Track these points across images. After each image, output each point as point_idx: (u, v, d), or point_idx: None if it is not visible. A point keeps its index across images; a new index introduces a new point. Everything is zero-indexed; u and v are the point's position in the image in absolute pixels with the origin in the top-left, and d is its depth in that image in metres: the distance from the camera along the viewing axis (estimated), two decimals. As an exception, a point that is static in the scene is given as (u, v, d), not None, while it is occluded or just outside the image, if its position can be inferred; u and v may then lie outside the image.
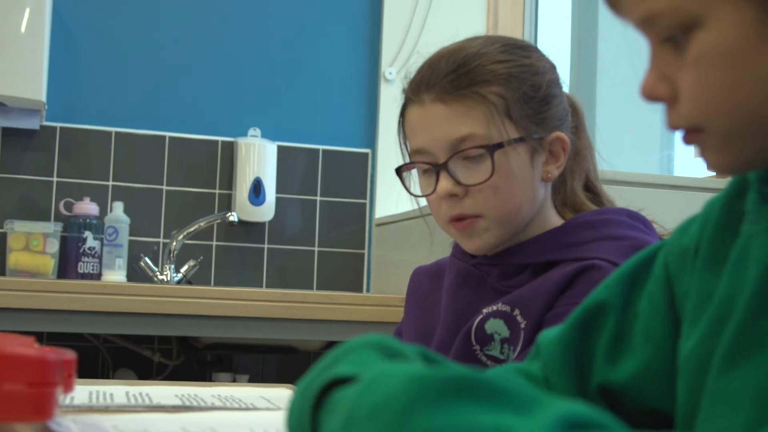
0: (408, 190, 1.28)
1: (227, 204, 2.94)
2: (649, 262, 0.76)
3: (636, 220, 1.24)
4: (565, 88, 1.29)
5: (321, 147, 3.04)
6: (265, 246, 2.98)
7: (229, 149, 2.95)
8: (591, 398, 0.75)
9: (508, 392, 0.48)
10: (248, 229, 2.96)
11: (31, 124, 2.75)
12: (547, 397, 0.48)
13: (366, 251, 3.06)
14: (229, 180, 2.95)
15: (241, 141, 2.91)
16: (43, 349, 0.72)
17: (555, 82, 1.25)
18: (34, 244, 2.70)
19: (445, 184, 1.20)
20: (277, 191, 2.96)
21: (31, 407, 0.67)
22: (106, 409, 1.03)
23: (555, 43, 3.23)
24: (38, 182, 2.80)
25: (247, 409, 1.08)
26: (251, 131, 2.95)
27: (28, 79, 2.65)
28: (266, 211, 2.92)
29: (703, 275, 0.69)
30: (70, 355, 0.82)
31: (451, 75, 1.19)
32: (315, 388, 0.57)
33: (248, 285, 2.92)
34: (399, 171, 1.28)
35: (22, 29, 2.64)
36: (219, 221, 2.86)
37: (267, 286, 2.96)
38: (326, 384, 0.57)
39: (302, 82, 3.03)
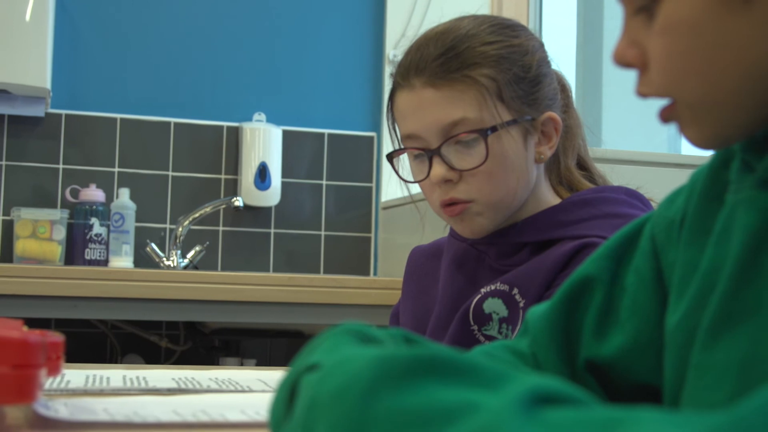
0: (399, 176, 1.27)
1: (233, 189, 2.94)
2: (635, 236, 0.75)
3: (633, 197, 1.23)
4: (554, 65, 1.28)
5: (326, 131, 3.03)
6: (272, 231, 2.98)
7: (235, 134, 2.95)
8: (579, 374, 0.75)
9: (476, 369, 0.47)
10: (254, 213, 2.96)
11: (37, 111, 2.75)
12: (520, 373, 0.47)
13: (373, 235, 3.05)
14: (234, 165, 2.94)
15: (247, 126, 2.91)
16: (26, 332, 0.72)
17: (544, 60, 1.23)
18: (41, 231, 2.70)
19: (438, 169, 1.18)
20: (283, 176, 2.96)
21: (13, 389, 0.67)
22: (100, 393, 1.03)
23: (561, 21, 3.21)
24: (44, 169, 2.81)
25: (242, 391, 1.08)
26: (256, 116, 2.94)
27: (32, 67, 2.65)
28: (272, 196, 2.91)
29: (688, 247, 0.68)
30: (56, 337, 0.82)
31: (440, 59, 1.18)
32: (290, 378, 0.57)
33: (255, 270, 2.92)
34: (390, 157, 1.26)
35: (27, 17, 2.64)
36: (225, 206, 2.87)
37: (274, 271, 2.96)
38: (300, 373, 0.56)
39: (307, 66, 3.02)
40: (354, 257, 3.03)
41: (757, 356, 0.58)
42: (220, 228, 2.94)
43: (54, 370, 0.78)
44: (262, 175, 2.88)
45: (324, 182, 3.03)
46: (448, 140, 1.17)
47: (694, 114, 0.62)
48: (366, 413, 0.45)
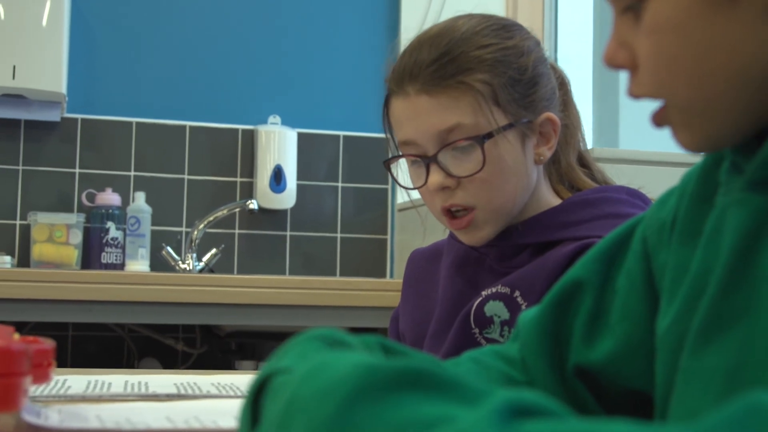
0: (398, 183, 1.26)
1: (249, 192, 2.94)
2: (627, 238, 0.74)
3: (635, 197, 1.22)
4: (551, 58, 1.26)
5: (342, 133, 3.03)
6: (288, 233, 2.98)
7: (250, 137, 2.95)
8: (568, 379, 0.73)
9: (458, 384, 0.46)
10: (270, 216, 2.96)
11: (53, 116, 2.76)
12: (500, 389, 0.46)
13: (389, 237, 3.05)
14: (250, 168, 2.95)
15: (262, 128, 2.91)
16: (10, 340, 0.71)
17: (541, 60, 1.21)
18: (58, 236, 2.72)
19: (436, 177, 1.17)
20: (299, 178, 2.95)
21: (-5, 397, 0.67)
22: (98, 399, 1.03)
23: (577, 20, 3.19)
24: (60, 174, 2.82)
25: (240, 397, 1.07)
26: (271, 118, 2.94)
27: (48, 72, 2.67)
28: (287, 199, 2.91)
29: (679, 249, 0.67)
30: (46, 344, 0.81)
31: (434, 65, 1.16)
32: (257, 380, 0.56)
33: (271, 272, 2.92)
34: (387, 163, 1.25)
35: (44, 23, 2.66)
36: (240, 209, 2.87)
37: (290, 274, 2.96)
38: (267, 375, 0.55)
39: (321, 68, 3.01)
40: (370, 259, 3.03)
41: (745, 362, 0.57)
42: (236, 231, 2.94)
43: (42, 378, 0.78)
44: (278, 177, 2.88)
45: (340, 184, 3.02)
46: (444, 147, 1.16)
47: (684, 117, 0.61)
48: (346, 419, 0.45)
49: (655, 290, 0.70)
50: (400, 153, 1.22)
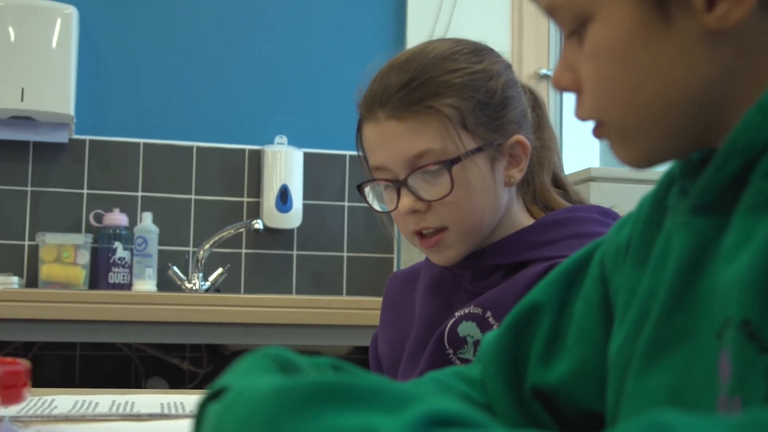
0: (371, 207, 1.26)
1: (255, 212, 2.95)
2: (586, 261, 0.75)
3: (607, 216, 1.22)
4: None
5: (347, 152, 3.04)
6: (294, 252, 2.99)
7: (257, 157, 2.97)
8: (526, 401, 0.74)
9: (379, 393, 0.47)
10: (277, 236, 2.97)
11: (61, 137, 2.79)
12: (426, 395, 0.47)
13: (395, 255, 3.05)
14: (257, 188, 2.96)
15: (268, 149, 2.93)
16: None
17: (510, 83, 1.22)
18: (66, 256, 2.74)
19: (406, 201, 1.18)
20: (305, 198, 2.97)
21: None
22: (81, 419, 1.04)
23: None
24: (68, 195, 2.85)
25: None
26: (278, 139, 2.96)
27: (56, 94, 2.70)
28: (294, 218, 2.93)
29: (632, 272, 0.67)
30: (20, 366, 0.82)
31: (403, 90, 1.16)
32: (200, 403, 0.57)
33: (278, 292, 2.93)
34: (360, 187, 1.26)
35: (53, 45, 2.69)
36: (245, 229, 2.88)
37: (297, 293, 2.97)
38: (208, 397, 0.56)
39: (327, 88, 3.03)
40: (377, 278, 3.03)
41: (686, 384, 0.57)
42: (243, 250, 2.95)
43: (13, 399, 0.79)
44: (284, 197, 2.90)
45: (346, 203, 3.04)
46: (414, 171, 1.16)
47: (621, 136, 0.62)
48: None
49: (611, 313, 0.70)
50: (373, 177, 1.23)
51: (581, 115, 0.64)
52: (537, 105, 1.28)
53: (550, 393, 0.73)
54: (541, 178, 1.26)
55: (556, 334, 0.73)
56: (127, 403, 1.17)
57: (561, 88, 0.65)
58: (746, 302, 0.52)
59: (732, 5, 0.55)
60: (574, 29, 0.62)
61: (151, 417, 1.06)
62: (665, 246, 0.63)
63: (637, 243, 0.68)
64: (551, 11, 0.63)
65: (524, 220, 1.24)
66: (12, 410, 1.03)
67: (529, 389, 0.74)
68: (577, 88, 0.64)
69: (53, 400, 1.17)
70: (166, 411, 1.10)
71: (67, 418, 1.04)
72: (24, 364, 0.84)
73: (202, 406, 0.56)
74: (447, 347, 1.17)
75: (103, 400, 1.20)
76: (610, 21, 0.59)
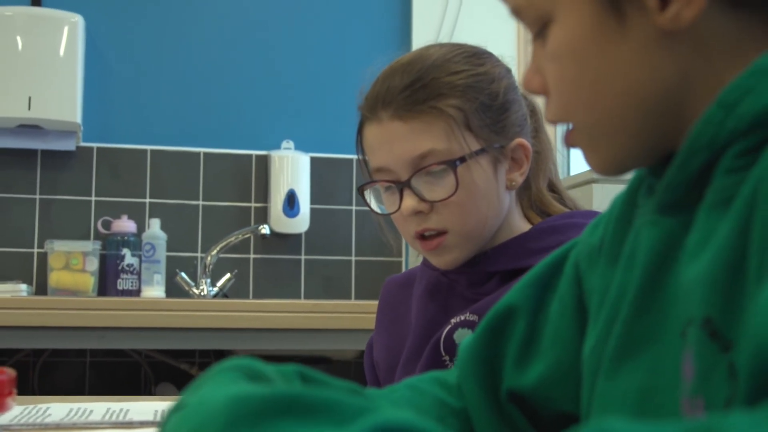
0: (371, 209, 1.26)
1: (263, 217, 2.96)
2: (561, 262, 0.74)
3: None
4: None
5: (354, 156, 3.03)
6: (302, 257, 2.99)
7: (264, 162, 2.97)
8: (502, 404, 0.73)
9: (335, 405, 0.47)
10: (284, 240, 2.98)
11: (68, 145, 2.81)
12: (381, 407, 0.47)
13: (404, 259, 3.05)
14: (264, 193, 2.97)
15: (275, 154, 2.93)
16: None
17: (512, 86, 1.21)
18: (74, 263, 2.75)
19: (409, 201, 1.17)
20: (312, 202, 2.97)
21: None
22: (72, 427, 1.04)
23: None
24: (76, 202, 2.86)
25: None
26: (284, 143, 2.97)
27: (63, 102, 2.71)
28: (301, 223, 2.93)
29: (604, 272, 0.67)
30: (2, 375, 0.83)
31: (406, 90, 1.16)
32: (166, 413, 0.57)
33: (286, 297, 2.93)
34: (361, 189, 1.25)
35: (60, 53, 2.70)
36: (252, 234, 2.89)
37: (305, 297, 2.97)
38: (174, 408, 0.56)
39: (333, 93, 3.03)
40: (385, 282, 3.02)
41: (653, 385, 0.57)
42: (251, 256, 2.96)
43: (-5, 408, 0.79)
44: (291, 202, 2.90)
45: (354, 207, 3.04)
46: (417, 172, 1.16)
47: (590, 140, 0.62)
48: None
49: (586, 314, 0.70)
50: (374, 179, 1.22)
51: (549, 117, 0.64)
52: (533, 111, 1.28)
53: (526, 396, 0.72)
54: (538, 184, 1.26)
55: (532, 336, 0.73)
56: (121, 410, 1.17)
57: (531, 90, 0.65)
58: (708, 300, 0.51)
59: (683, 5, 0.55)
60: (539, 31, 0.62)
61: (143, 425, 1.06)
62: (634, 244, 0.63)
63: (610, 242, 0.68)
64: (517, 13, 0.63)
65: (522, 225, 1.24)
66: (4, 419, 1.03)
67: (505, 392, 0.73)
68: (545, 91, 0.63)
69: (48, 408, 1.17)
70: (158, 418, 1.10)
71: (58, 427, 1.04)
72: (8, 373, 0.84)
73: (168, 417, 0.56)
74: (443, 354, 1.17)
75: (98, 407, 1.20)
76: (568, 22, 0.58)
